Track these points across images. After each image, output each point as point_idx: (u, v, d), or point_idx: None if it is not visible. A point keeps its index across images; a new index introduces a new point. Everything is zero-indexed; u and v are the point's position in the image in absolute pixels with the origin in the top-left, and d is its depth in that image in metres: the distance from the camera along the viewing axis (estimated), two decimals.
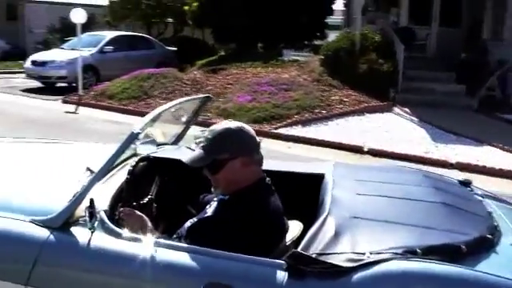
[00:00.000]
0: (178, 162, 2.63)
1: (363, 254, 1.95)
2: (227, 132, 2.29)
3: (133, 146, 2.81)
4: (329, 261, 1.92)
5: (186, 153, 2.54)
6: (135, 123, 2.38)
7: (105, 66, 14.84)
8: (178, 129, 3.53)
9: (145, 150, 2.91)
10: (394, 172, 2.98)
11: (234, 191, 2.28)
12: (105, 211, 2.27)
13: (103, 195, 2.39)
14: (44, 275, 2.17)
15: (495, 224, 2.33)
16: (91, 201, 2.19)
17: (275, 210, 2.29)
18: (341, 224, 2.12)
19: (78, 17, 12.99)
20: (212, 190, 2.36)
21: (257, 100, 10.79)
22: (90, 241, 2.16)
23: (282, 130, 9.59)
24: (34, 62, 14.95)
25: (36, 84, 15.01)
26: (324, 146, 8.71)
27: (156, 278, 2.08)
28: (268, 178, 2.37)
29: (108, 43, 15.64)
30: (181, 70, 14.25)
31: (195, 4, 18.63)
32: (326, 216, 2.17)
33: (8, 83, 15.78)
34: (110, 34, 16.44)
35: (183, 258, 2.06)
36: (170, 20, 22.73)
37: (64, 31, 21.09)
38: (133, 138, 2.30)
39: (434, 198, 2.46)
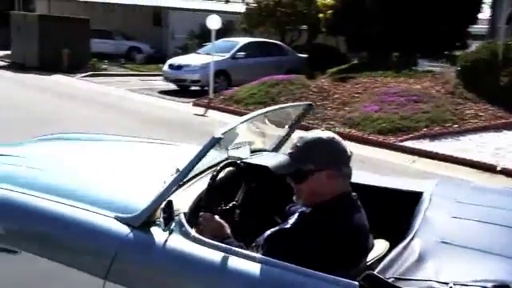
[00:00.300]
0: (267, 168, 2.51)
1: (446, 283, 1.72)
2: (316, 142, 2.17)
3: (225, 150, 2.75)
4: (406, 287, 1.70)
5: (280, 160, 2.41)
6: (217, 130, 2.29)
7: (236, 71, 15.18)
8: (279, 135, 3.42)
9: (237, 154, 2.82)
10: (505, 195, 2.61)
11: (315, 203, 2.15)
12: (184, 214, 2.23)
13: (186, 198, 2.36)
14: (121, 271, 2.19)
15: None
16: (169, 203, 2.16)
17: (358, 226, 2.12)
18: (427, 248, 1.91)
19: (213, 23, 13.47)
20: (294, 199, 2.23)
21: (384, 110, 10.39)
22: (165, 242, 2.14)
23: (408, 143, 9.10)
24: (170, 66, 15.73)
25: (172, 87, 15.76)
26: (451, 162, 8.13)
27: (225, 286, 2.02)
28: (354, 193, 2.20)
29: (240, 49, 16.00)
30: (311, 78, 14.18)
31: (329, 12, 18.53)
32: (412, 238, 1.97)
33: (148, 85, 16.74)
34: (243, 40, 16.81)
35: (254, 269, 1.96)
36: (305, 27, 22.78)
37: (203, 37, 21.95)
38: (214, 142, 2.22)
39: None
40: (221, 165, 2.59)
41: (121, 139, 3.96)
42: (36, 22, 20.03)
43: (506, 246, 1.97)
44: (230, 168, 2.69)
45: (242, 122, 2.52)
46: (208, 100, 13.11)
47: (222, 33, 23.48)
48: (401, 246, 1.93)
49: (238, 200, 2.65)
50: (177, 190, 2.32)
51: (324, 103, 11.73)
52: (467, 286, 1.69)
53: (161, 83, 16.37)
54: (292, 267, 1.91)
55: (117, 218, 2.27)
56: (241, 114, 11.78)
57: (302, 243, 2.03)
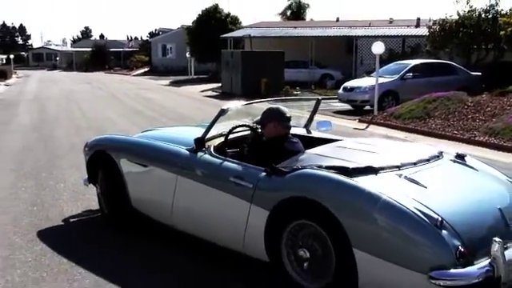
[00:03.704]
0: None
1: (299, 167, 3.76)
2: (269, 109, 4.55)
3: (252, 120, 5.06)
4: (282, 169, 3.79)
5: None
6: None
7: (404, 90, 16.47)
8: (306, 117, 5.99)
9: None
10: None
11: (268, 138, 4.47)
12: (214, 147, 4.58)
13: (218, 141, 4.78)
14: (185, 172, 4.59)
15: (394, 164, 3.80)
16: (199, 140, 4.56)
17: (288, 149, 4.32)
18: (306, 157, 4.01)
19: (377, 49, 15.09)
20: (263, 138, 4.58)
21: None
22: (201, 157, 4.54)
23: None
24: (344, 88, 17.69)
25: (348, 107, 17.62)
26: None
27: (220, 174, 4.29)
28: (290, 135, 4.47)
29: (409, 70, 17.30)
30: (475, 94, 14.76)
31: (510, 29, 18.70)
32: (303, 152, 4.16)
33: (327, 106, 18.73)
34: (413, 62, 18.05)
35: (233, 166, 4.26)
36: (490, 46, 22.80)
37: (391, 61, 23.38)
38: (220, 113, 4.53)
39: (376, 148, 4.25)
40: (238, 124, 4.92)
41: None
42: (240, 57, 23.66)
43: (345, 155, 3.98)
44: (246, 128, 5.02)
45: (249, 104, 4.83)
46: (372, 117, 14.74)
47: (408, 55, 24.81)
48: (297, 155, 4.07)
49: (247, 143, 4.83)
50: (216, 138, 4.72)
51: (474, 116, 12.59)
52: (305, 167, 3.72)
53: (339, 104, 18.35)
54: (244, 164, 4.14)
55: (186, 149, 4.69)
56: (396, 128, 13.31)
57: (258, 156, 4.25)
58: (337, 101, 19.96)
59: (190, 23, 40.60)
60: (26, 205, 6.28)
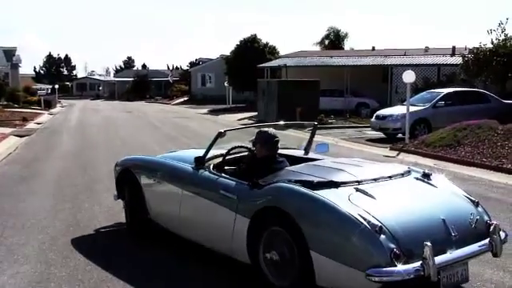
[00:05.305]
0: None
1: (274, 181, 4.34)
2: (259, 132, 5.08)
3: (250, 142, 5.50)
4: (261, 183, 4.36)
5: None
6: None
7: (436, 119, 16.53)
8: (306, 139, 6.24)
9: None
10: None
11: (260, 157, 4.99)
12: (213, 165, 5.13)
13: (218, 160, 5.33)
14: (188, 186, 5.24)
15: (355, 179, 4.32)
16: (199, 158, 5.17)
17: (275, 167, 4.85)
18: (284, 173, 4.56)
19: (408, 78, 15.33)
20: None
21: None
22: (201, 173, 5.12)
23: None
24: (377, 117, 17.91)
25: (381, 135, 17.78)
26: None
27: (213, 189, 4.92)
28: (277, 155, 5.03)
29: (442, 99, 17.41)
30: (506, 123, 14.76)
31: None
32: (282, 170, 4.68)
33: (361, 135, 19.10)
34: (445, 91, 18.16)
35: (225, 181, 4.85)
36: None
37: (424, 89, 23.47)
38: (218, 134, 5.10)
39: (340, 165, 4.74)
40: (234, 146, 5.49)
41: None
42: (275, 86, 24.19)
43: (317, 171, 4.51)
44: (245, 149, 5.59)
45: (246, 127, 5.44)
46: (403, 145, 14.89)
47: (443, 84, 24.81)
48: (277, 172, 4.57)
49: (243, 161, 5.34)
50: (218, 158, 5.27)
51: (504, 143, 12.62)
52: (279, 181, 4.30)
53: (372, 133, 18.55)
54: (232, 179, 4.73)
55: (191, 167, 5.26)
56: (426, 155, 13.44)
57: (250, 171, 4.77)
58: (370, 129, 20.22)
59: (228, 53, 41.56)
60: (63, 225, 6.76)
